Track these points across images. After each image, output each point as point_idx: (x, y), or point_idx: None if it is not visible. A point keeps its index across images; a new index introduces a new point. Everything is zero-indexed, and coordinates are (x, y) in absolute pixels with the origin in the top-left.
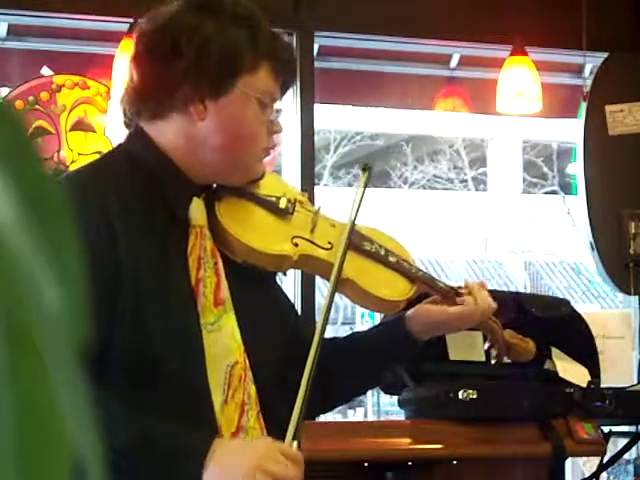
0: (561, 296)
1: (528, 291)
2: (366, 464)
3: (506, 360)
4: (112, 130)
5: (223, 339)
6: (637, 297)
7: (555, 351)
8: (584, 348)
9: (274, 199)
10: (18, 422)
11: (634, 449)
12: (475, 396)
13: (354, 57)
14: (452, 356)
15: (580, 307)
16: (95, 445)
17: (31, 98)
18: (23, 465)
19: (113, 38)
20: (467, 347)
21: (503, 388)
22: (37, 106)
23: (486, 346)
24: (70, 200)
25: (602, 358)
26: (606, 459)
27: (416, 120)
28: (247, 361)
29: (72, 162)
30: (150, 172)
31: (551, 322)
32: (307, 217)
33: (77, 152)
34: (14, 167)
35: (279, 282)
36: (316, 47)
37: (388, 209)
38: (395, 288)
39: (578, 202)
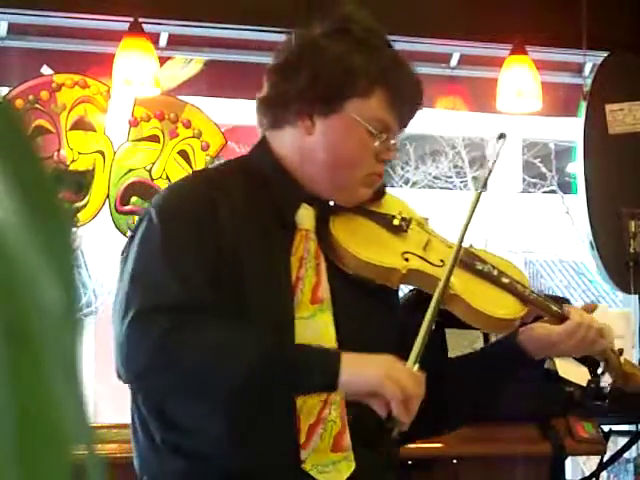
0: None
1: None
2: None
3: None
4: (112, 129)
5: (315, 328)
6: (637, 296)
7: None
8: None
9: (389, 216)
10: (18, 422)
11: (634, 448)
12: None
13: None
14: (452, 356)
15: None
16: (93, 443)
17: (31, 97)
18: (23, 465)
19: (113, 37)
20: (467, 346)
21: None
22: (37, 105)
23: (599, 371)
24: (180, 199)
25: None
26: (606, 458)
27: (416, 119)
28: None
29: (72, 161)
30: (264, 177)
31: None
32: (422, 236)
33: (77, 151)
34: (14, 167)
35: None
36: None
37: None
38: (505, 307)
39: (578, 201)
